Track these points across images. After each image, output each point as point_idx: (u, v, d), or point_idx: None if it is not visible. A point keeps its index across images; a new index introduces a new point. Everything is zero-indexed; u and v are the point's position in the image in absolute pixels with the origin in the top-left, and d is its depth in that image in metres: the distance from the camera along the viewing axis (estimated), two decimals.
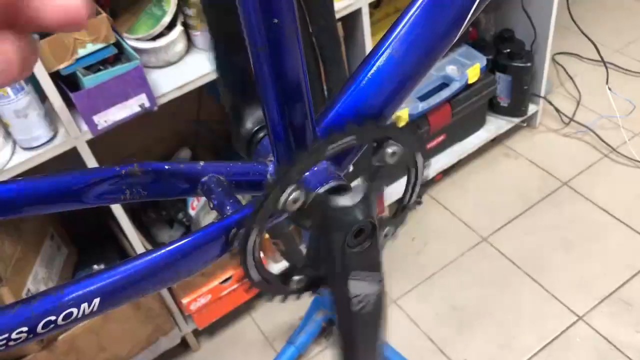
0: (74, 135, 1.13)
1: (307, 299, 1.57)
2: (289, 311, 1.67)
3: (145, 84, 1.12)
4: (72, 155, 1.16)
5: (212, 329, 1.65)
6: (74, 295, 0.39)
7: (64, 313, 0.38)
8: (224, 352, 1.63)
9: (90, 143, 1.16)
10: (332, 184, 0.45)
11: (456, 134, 1.87)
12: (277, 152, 0.46)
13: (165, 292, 1.45)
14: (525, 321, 1.55)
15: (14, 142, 1.12)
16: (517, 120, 1.94)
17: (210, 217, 1.48)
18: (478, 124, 1.91)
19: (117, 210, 1.27)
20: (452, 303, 1.62)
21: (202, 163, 0.50)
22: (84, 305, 0.39)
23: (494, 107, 1.94)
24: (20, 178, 0.44)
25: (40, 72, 1.04)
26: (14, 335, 0.36)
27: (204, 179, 0.50)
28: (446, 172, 1.93)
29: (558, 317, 1.55)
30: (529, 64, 1.80)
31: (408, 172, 0.51)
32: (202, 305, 1.50)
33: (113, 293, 0.41)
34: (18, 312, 0.37)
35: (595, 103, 2.03)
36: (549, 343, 1.51)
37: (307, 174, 0.45)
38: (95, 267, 1.45)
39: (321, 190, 0.45)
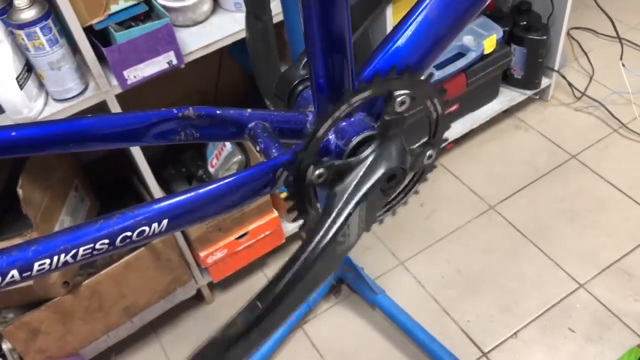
0: (104, 89, 1.18)
1: None
2: None
3: (174, 42, 1.16)
4: (101, 109, 1.20)
5: (226, 283, 1.72)
6: (147, 215, 0.44)
7: (138, 230, 0.44)
8: (236, 306, 1.67)
9: (117, 98, 1.21)
10: (366, 133, 0.50)
11: (469, 103, 1.90)
12: (318, 103, 0.51)
13: (183, 245, 1.51)
14: (527, 287, 1.61)
15: (47, 93, 1.17)
16: (529, 92, 1.97)
17: (229, 174, 1.54)
18: (491, 94, 1.94)
19: (141, 163, 1.32)
20: (457, 267, 1.67)
21: (249, 110, 0.55)
22: (155, 224, 0.44)
23: (507, 78, 1.97)
24: (87, 115, 0.49)
25: (74, 26, 1.08)
26: (97, 246, 0.42)
27: (251, 124, 0.55)
28: (457, 142, 1.97)
29: (560, 284, 1.60)
30: (544, 37, 1.83)
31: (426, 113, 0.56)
32: (218, 259, 1.56)
33: (180, 216, 0.47)
34: (101, 227, 0.42)
35: (607, 79, 2.05)
36: (549, 308, 1.56)
37: (343, 124, 0.50)
38: None
39: (355, 140, 0.50)
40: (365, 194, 0.50)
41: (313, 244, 0.50)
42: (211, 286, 1.69)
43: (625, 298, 1.55)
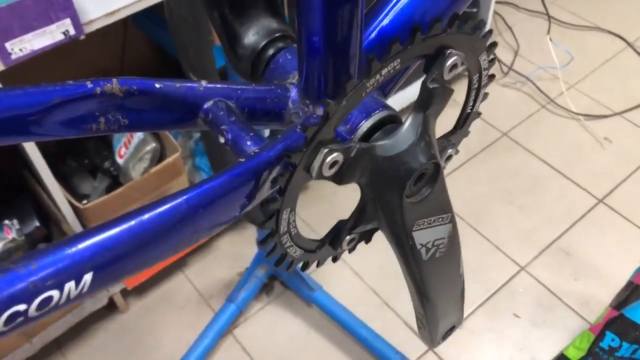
0: None
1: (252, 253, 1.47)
2: (225, 267, 1.56)
3: (71, 7, 0.95)
4: None
5: (142, 289, 1.52)
6: (55, 268, 0.26)
7: (39, 299, 0.26)
8: (155, 312, 1.51)
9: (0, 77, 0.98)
10: (379, 114, 0.35)
11: None
12: (308, 71, 0.35)
13: None
14: (469, 273, 1.52)
15: None
16: None
17: (141, 166, 1.33)
18: (416, 72, 1.84)
19: (33, 155, 1.10)
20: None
21: (204, 83, 0.38)
22: (69, 285, 0.27)
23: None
24: None
25: None
26: None
27: (208, 104, 0.38)
28: None
29: (501, 268, 1.54)
30: (474, 10, 1.75)
31: (469, 78, 0.42)
32: None
33: (112, 262, 0.28)
34: None
35: (533, 54, 2.02)
36: (493, 294, 1.50)
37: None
38: (7, 222, 1.27)
39: (366, 124, 0.35)
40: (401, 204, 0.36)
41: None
42: (125, 293, 1.48)
43: (565, 278, 1.52)
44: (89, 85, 0.34)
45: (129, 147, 1.34)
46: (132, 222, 0.29)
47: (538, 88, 1.91)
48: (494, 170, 1.74)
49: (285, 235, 0.37)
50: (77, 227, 1.26)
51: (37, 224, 1.30)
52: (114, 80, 0.35)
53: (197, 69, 0.73)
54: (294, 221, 0.37)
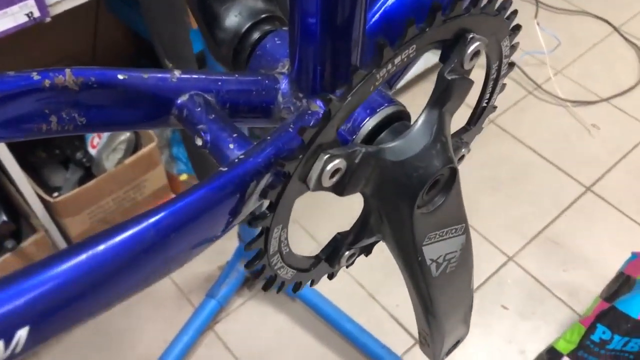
0: None
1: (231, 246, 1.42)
2: (205, 261, 1.51)
3: None
4: None
5: None
6: None
7: None
8: (132, 308, 1.45)
9: None
10: (386, 110, 0.30)
11: None
12: (301, 59, 0.30)
13: (62, 245, 1.23)
14: None
15: None
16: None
17: (115, 157, 1.26)
18: None
19: (0, 147, 1.03)
20: (381, 246, 1.53)
21: (178, 73, 0.32)
22: None
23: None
24: None
25: None
26: None
27: (182, 99, 0.32)
28: None
29: (489, 258, 1.51)
30: None
31: (488, 67, 0.37)
32: None
33: (53, 313, 0.22)
34: None
35: (520, 39, 1.97)
36: (480, 285, 1.47)
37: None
38: None
39: (370, 122, 0.30)
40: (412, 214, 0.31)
41: None
42: None
43: (554, 268, 1.49)
44: (36, 77, 0.28)
45: (103, 137, 1.27)
46: (83, 257, 0.23)
47: (525, 74, 1.87)
48: (480, 158, 1.70)
49: (275, 256, 0.32)
50: (47, 222, 1.20)
51: (4, 218, 1.23)
52: (67, 70, 0.29)
53: (172, 55, 0.66)
54: (286, 239, 0.32)
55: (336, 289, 1.44)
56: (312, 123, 0.28)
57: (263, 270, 0.32)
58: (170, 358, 1.31)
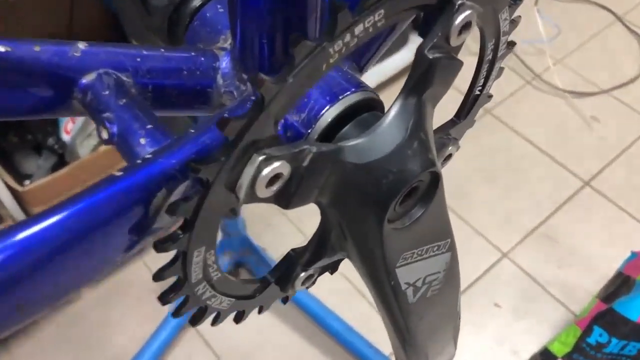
0: None
1: None
2: None
3: None
4: None
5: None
6: None
7: None
8: (112, 302, 1.39)
9: None
10: (351, 97, 0.23)
11: None
12: (244, 30, 0.23)
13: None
14: None
15: None
16: None
17: (90, 144, 1.20)
18: (400, 42, 1.72)
19: None
20: None
21: (82, 46, 0.25)
22: None
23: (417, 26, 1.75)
24: None
25: None
26: None
27: (87, 78, 0.25)
28: None
29: (482, 255, 1.46)
30: None
31: (482, 46, 0.31)
32: None
33: None
34: None
35: (519, 26, 1.90)
36: (473, 282, 1.42)
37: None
38: None
39: (330, 112, 0.23)
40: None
41: None
42: None
43: (549, 265, 1.44)
44: None
45: (77, 122, 1.20)
46: None
47: (523, 63, 1.80)
48: (475, 150, 1.64)
49: (201, 284, 0.25)
50: (16, 212, 1.13)
51: None
52: None
53: (136, 32, 0.60)
54: (215, 262, 0.25)
55: (322, 285, 1.38)
56: (240, 113, 0.21)
57: (186, 302, 0.25)
58: (149, 353, 1.25)
